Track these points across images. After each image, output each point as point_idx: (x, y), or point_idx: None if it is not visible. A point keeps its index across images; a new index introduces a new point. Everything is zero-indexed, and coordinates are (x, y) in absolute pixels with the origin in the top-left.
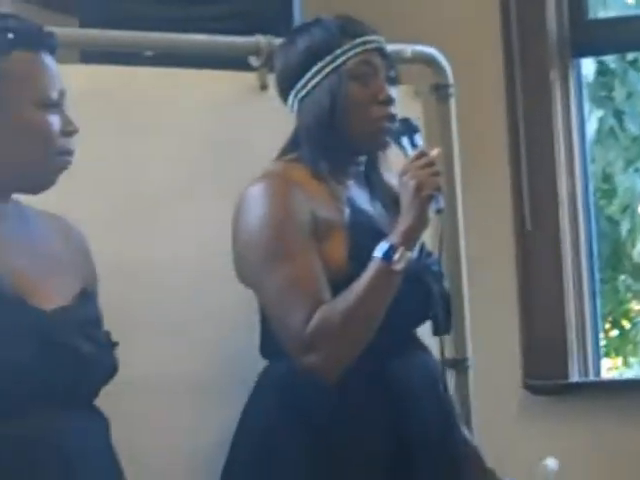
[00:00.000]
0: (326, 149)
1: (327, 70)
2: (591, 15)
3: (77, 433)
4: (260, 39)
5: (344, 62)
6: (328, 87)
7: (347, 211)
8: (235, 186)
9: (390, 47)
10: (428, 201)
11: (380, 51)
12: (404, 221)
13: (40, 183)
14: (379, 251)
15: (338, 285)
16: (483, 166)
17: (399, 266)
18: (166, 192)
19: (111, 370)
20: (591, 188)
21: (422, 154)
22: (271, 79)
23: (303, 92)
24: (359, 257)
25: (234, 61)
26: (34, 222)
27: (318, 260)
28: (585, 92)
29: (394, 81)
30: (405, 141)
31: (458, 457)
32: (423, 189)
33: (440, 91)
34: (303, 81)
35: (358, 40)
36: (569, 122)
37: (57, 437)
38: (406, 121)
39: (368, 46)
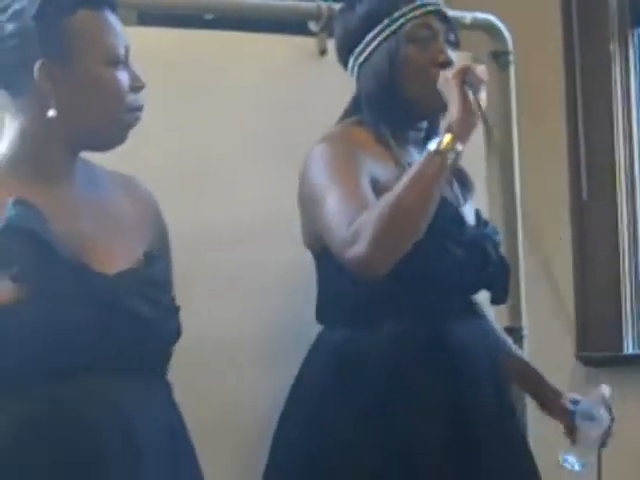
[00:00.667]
0: (387, 113)
1: (386, 34)
2: None
3: (135, 396)
4: (321, 4)
5: (402, 25)
6: (386, 50)
7: None
8: (293, 151)
9: (449, 14)
10: (460, 85)
11: (439, 14)
12: (448, 117)
13: (110, 140)
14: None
15: None
16: (541, 135)
17: (448, 155)
18: (224, 156)
19: (174, 334)
20: None
21: None
22: (330, 44)
23: (362, 57)
24: None
25: (294, 26)
26: (102, 182)
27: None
28: None
29: (454, 44)
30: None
31: (510, 424)
32: (450, 77)
33: (499, 58)
34: (362, 46)
35: (417, 3)
36: (628, 92)
37: (114, 400)
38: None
39: (426, 9)
